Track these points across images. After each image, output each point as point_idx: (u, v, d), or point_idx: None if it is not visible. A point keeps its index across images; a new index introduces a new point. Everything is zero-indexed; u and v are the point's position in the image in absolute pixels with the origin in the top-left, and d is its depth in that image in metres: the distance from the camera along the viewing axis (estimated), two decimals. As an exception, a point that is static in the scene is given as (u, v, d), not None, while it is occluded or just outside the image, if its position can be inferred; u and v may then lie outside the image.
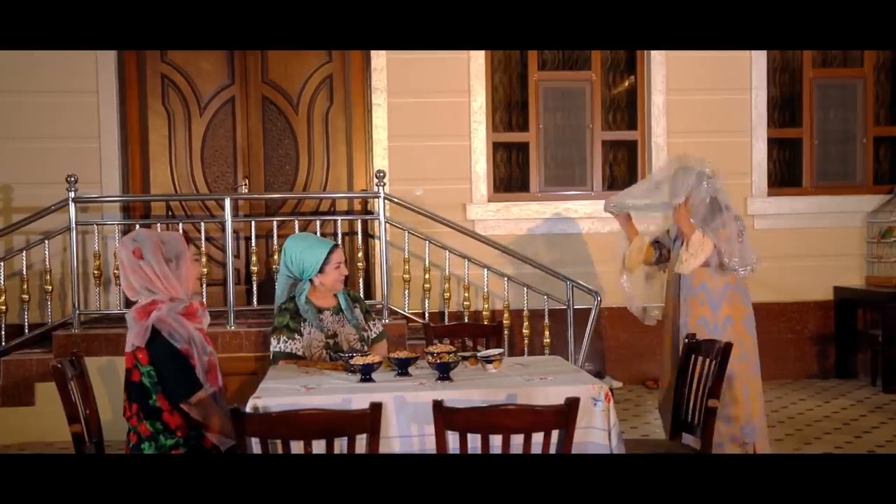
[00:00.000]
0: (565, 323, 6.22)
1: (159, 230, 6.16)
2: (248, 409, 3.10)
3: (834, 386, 6.95)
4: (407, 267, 6.25)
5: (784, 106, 7.51)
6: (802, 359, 7.27)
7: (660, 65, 7.12)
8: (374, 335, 4.23)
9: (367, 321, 4.24)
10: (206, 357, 3.33)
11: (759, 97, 7.21)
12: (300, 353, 4.02)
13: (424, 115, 6.91)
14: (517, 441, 2.85)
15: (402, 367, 3.59)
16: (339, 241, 5.90)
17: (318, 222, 6.32)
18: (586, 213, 7.02)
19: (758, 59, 7.19)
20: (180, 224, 6.34)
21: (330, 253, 4.12)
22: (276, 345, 4.04)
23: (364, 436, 2.86)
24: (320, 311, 4.12)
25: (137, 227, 6.17)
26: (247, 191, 6.87)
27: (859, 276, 7.30)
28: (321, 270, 4.10)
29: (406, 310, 6.28)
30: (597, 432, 3.27)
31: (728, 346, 3.58)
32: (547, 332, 6.28)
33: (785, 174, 7.51)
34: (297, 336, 4.03)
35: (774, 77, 7.42)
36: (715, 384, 3.57)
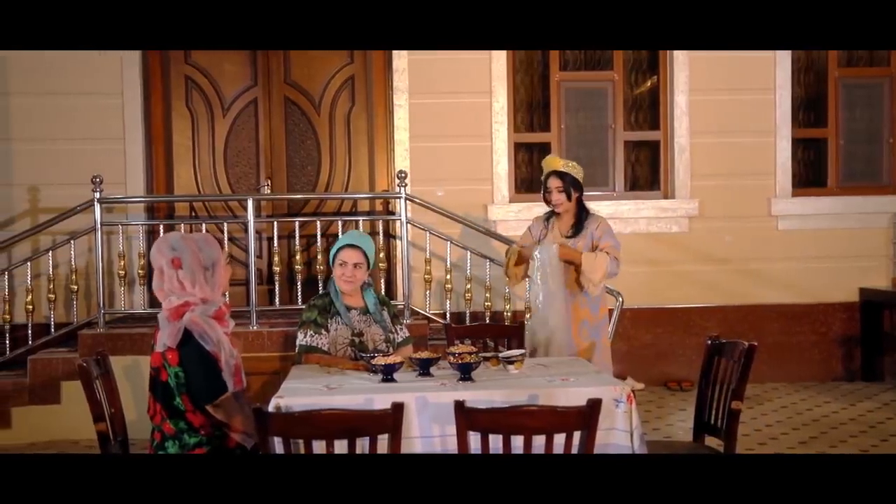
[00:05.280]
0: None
1: (182, 230, 6.22)
2: (271, 408, 3.12)
3: (860, 388, 6.88)
4: (428, 267, 6.26)
5: (809, 106, 7.45)
6: (827, 361, 7.21)
7: (683, 65, 7.08)
8: (401, 339, 4.23)
9: (393, 325, 4.24)
10: (233, 360, 3.34)
11: (784, 97, 7.16)
12: (325, 348, 4.03)
13: (446, 115, 6.91)
14: (539, 442, 2.84)
15: (424, 368, 3.59)
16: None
17: (339, 223, 6.34)
18: (608, 213, 6.95)
19: (782, 59, 7.14)
20: (203, 225, 6.38)
21: (340, 249, 4.13)
22: (303, 339, 4.06)
23: (386, 436, 2.87)
24: (348, 309, 4.13)
25: (161, 229, 6.24)
26: (269, 191, 6.90)
27: (885, 278, 7.22)
28: (333, 263, 4.13)
29: (427, 310, 6.29)
30: (619, 434, 3.26)
31: (752, 348, 3.56)
32: (569, 333, 6.27)
33: (810, 174, 7.45)
34: (323, 331, 4.05)
35: (799, 77, 7.36)
36: (739, 386, 3.55)
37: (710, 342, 3.88)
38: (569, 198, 4.79)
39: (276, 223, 6.32)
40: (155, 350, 3.33)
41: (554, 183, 4.80)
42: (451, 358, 3.54)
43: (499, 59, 6.97)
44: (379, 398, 3.18)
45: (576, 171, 4.82)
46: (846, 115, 7.40)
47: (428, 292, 6.30)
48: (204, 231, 6.26)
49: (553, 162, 4.90)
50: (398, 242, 6.46)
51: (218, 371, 3.28)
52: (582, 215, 4.80)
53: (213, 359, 3.27)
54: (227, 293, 5.86)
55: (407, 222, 6.16)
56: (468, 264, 6.33)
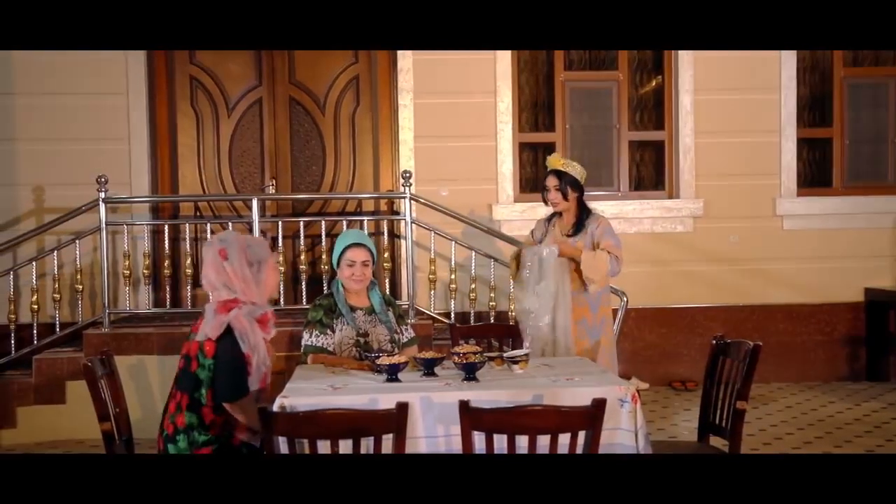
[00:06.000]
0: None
1: (187, 230, 6.23)
2: (276, 408, 3.13)
3: (865, 389, 6.87)
4: (433, 267, 6.26)
5: (814, 105, 7.43)
6: (832, 361, 7.19)
7: (688, 64, 7.07)
8: (406, 339, 4.23)
9: (399, 325, 4.24)
10: (264, 368, 3.37)
11: (789, 97, 7.14)
12: (331, 348, 4.03)
13: (450, 115, 6.91)
14: (543, 442, 2.84)
15: (429, 368, 3.59)
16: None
17: (344, 223, 6.34)
18: (612, 213, 6.96)
19: (787, 59, 7.12)
20: (208, 225, 6.39)
21: (346, 249, 4.10)
22: (308, 339, 4.06)
23: (390, 436, 2.87)
24: (353, 309, 4.12)
25: (166, 229, 6.24)
26: (274, 191, 6.91)
27: (890, 278, 7.21)
28: (338, 265, 4.12)
29: (432, 310, 6.29)
30: (623, 434, 3.25)
31: (757, 348, 3.55)
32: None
33: (815, 174, 7.43)
34: (328, 332, 4.05)
35: (804, 76, 7.34)
36: (744, 385, 3.55)
37: (714, 342, 3.88)
38: (565, 197, 4.77)
39: (280, 223, 6.33)
40: (192, 339, 3.37)
41: (552, 182, 4.81)
42: (456, 358, 3.54)
43: (503, 59, 6.96)
44: (383, 398, 3.18)
45: (575, 170, 4.80)
46: (851, 114, 7.39)
47: (432, 292, 6.30)
48: (209, 231, 6.27)
49: (553, 161, 4.90)
50: (403, 242, 6.46)
51: (245, 373, 3.30)
52: (583, 215, 4.79)
53: (245, 360, 3.30)
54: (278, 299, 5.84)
55: (412, 222, 6.16)
56: (473, 264, 6.33)
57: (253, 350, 3.31)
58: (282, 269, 6.11)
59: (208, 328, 3.30)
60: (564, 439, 2.86)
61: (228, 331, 3.28)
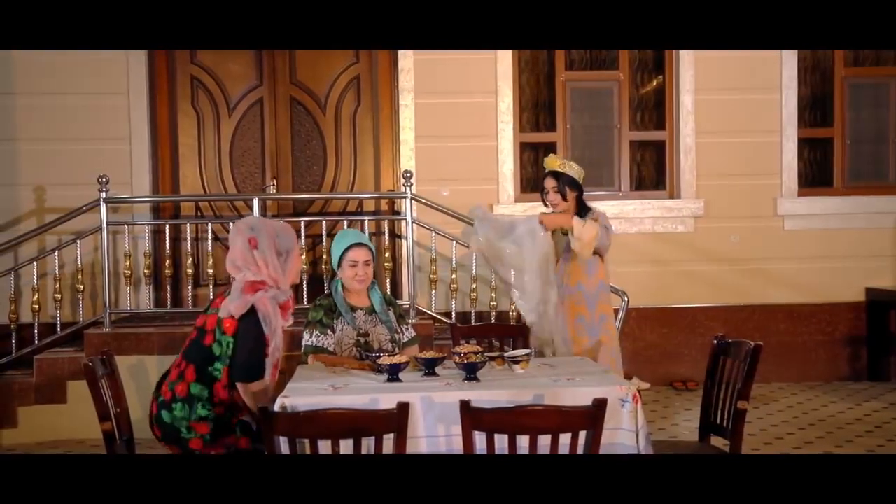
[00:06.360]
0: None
1: (188, 230, 6.23)
2: (276, 408, 3.13)
3: (866, 388, 6.86)
4: (434, 267, 6.26)
5: (815, 105, 7.42)
6: (833, 361, 7.19)
7: (688, 64, 7.07)
8: (406, 339, 4.23)
9: (399, 325, 4.24)
10: (278, 354, 3.44)
11: (790, 97, 7.14)
12: (331, 348, 4.03)
13: (451, 115, 6.91)
14: (544, 442, 2.84)
15: (429, 368, 3.59)
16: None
17: (345, 222, 6.34)
18: (613, 213, 6.95)
19: (788, 59, 7.12)
20: (209, 225, 6.38)
21: (347, 249, 4.09)
22: (308, 339, 4.06)
23: (391, 435, 2.87)
24: (353, 309, 4.12)
25: (167, 229, 6.24)
26: (275, 191, 6.91)
27: (891, 278, 7.20)
28: (339, 265, 4.12)
29: (433, 310, 6.29)
30: (624, 434, 3.25)
31: (758, 348, 3.55)
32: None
33: (816, 174, 7.43)
34: (329, 332, 4.05)
35: (805, 76, 7.33)
36: (744, 385, 3.55)
37: (715, 342, 3.88)
38: (564, 198, 4.80)
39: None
40: (210, 313, 3.42)
41: (549, 183, 4.84)
42: (457, 358, 3.54)
43: (504, 59, 6.96)
44: (384, 398, 3.18)
45: (573, 170, 4.82)
46: (852, 114, 7.38)
47: (433, 292, 6.30)
48: (210, 231, 6.27)
49: (550, 162, 4.93)
50: (403, 242, 6.46)
51: (263, 355, 3.35)
52: (581, 214, 4.81)
53: (265, 342, 3.34)
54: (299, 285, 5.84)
55: (412, 222, 6.17)
56: (473, 264, 6.33)
57: (272, 335, 3.37)
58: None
59: (232, 306, 3.34)
60: (565, 439, 2.86)
61: (251, 311, 3.33)
